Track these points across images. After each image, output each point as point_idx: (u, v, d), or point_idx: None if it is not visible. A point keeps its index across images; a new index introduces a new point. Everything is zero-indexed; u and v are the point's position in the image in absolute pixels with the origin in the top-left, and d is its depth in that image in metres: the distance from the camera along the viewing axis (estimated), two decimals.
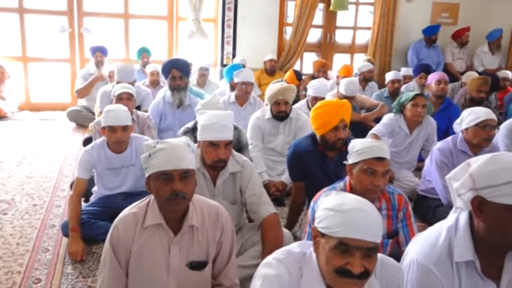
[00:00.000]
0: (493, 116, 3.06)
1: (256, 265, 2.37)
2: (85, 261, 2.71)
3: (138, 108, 4.33)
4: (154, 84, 5.59)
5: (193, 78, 5.67)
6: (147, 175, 1.75)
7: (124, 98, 3.70)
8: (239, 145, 3.41)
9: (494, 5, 7.45)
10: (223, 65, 6.67)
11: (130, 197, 3.05)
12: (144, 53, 6.33)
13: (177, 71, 4.17)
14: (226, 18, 6.70)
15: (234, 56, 6.77)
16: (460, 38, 7.18)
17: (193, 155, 1.80)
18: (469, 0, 7.42)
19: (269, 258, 1.48)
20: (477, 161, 1.41)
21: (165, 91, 4.49)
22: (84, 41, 6.69)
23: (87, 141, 4.24)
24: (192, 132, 3.35)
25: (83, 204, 3.10)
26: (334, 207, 1.34)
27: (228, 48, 6.81)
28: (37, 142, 5.17)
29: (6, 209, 3.39)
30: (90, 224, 2.90)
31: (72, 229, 2.81)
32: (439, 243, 1.47)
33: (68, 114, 5.95)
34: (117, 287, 1.77)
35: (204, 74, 5.82)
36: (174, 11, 6.86)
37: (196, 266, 1.81)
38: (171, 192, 1.68)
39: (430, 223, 3.01)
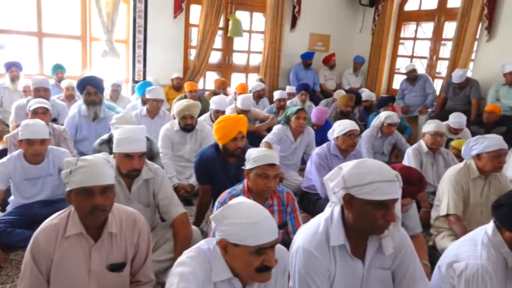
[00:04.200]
0: (357, 127, 3.34)
1: (169, 259, 2.36)
2: (3, 268, 2.46)
3: (54, 121, 4.00)
4: (69, 98, 5.20)
5: (106, 93, 5.37)
6: (68, 189, 1.63)
7: (40, 112, 3.39)
8: (151, 154, 3.33)
9: (355, 37, 8.07)
10: (134, 82, 6.42)
11: (48, 204, 2.85)
12: (58, 69, 5.87)
13: (91, 88, 3.96)
14: (136, 40, 6.46)
15: (144, 73, 6.55)
16: (329, 62, 7.60)
17: (112, 170, 1.72)
18: (337, 33, 7.95)
19: (183, 258, 1.46)
20: (347, 166, 1.53)
21: (79, 105, 4.21)
22: None
23: (1, 153, 3.82)
24: (108, 143, 3.20)
25: (0, 213, 2.80)
26: (245, 222, 1.33)
27: (139, 66, 6.57)
28: None
29: None
30: (8, 232, 2.64)
31: None
32: (318, 231, 1.56)
33: None
34: None
35: (116, 89, 5.56)
36: (88, 32, 6.45)
37: (116, 267, 1.73)
38: (92, 206, 1.59)
39: (312, 213, 3.21)
